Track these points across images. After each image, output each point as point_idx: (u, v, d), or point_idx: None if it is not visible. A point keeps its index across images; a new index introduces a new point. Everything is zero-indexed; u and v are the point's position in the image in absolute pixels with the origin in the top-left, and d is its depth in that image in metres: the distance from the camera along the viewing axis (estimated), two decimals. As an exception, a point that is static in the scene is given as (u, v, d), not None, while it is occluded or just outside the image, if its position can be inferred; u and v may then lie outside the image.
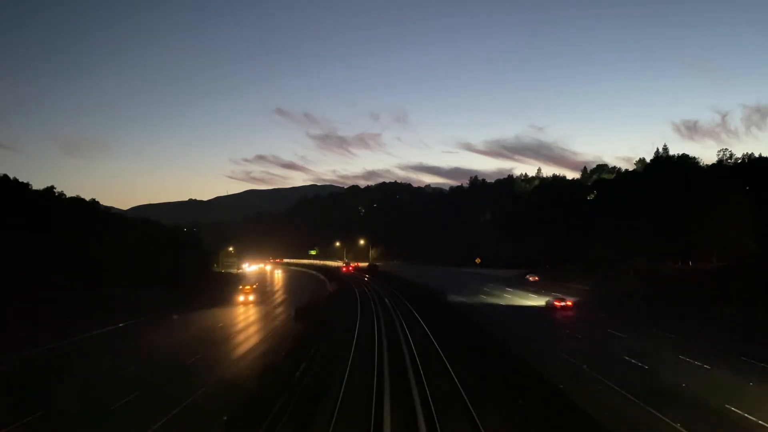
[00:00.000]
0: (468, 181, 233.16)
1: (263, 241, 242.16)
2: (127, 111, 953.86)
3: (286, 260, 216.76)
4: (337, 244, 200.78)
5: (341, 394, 24.75)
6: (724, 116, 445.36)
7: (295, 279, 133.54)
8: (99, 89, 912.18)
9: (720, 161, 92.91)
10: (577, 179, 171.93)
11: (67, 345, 44.86)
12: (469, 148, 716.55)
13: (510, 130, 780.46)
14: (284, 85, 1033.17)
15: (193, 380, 31.11)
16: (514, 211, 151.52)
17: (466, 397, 23.38)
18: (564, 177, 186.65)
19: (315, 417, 21.93)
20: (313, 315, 55.35)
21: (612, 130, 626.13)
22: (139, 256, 79.77)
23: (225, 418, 21.76)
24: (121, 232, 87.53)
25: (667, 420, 21.25)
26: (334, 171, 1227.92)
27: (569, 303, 58.35)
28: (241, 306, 72.83)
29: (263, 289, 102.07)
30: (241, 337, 48.74)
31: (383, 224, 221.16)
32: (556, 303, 58.40)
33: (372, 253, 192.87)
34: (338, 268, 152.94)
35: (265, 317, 61.76)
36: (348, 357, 33.14)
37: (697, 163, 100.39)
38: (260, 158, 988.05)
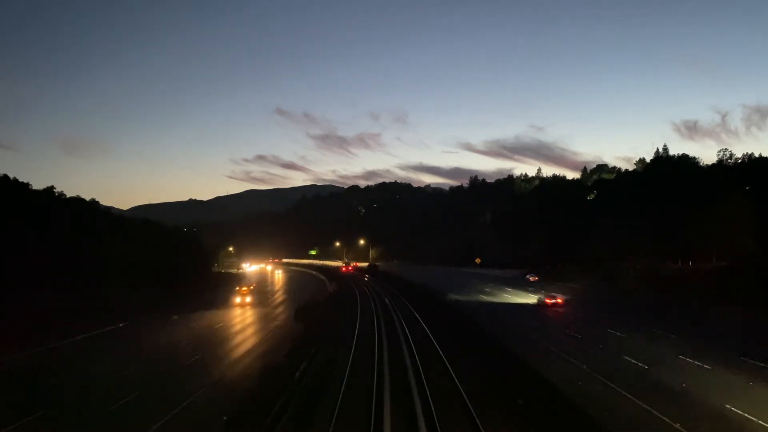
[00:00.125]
0: (468, 181, 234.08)
1: (263, 241, 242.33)
2: (127, 111, 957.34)
3: (285, 260, 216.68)
4: (337, 244, 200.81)
5: (341, 394, 24.76)
6: (724, 116, 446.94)
7: (295, 279, 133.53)
8: (99, 89, 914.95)
9: (720, 161, 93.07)
10: (577, 179, 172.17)
11: (67, 345, 44.74)
12: (469, 148, 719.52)
13: (510, 130, 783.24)
14: (284, 85, 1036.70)
15: (193, 381, 31.07)
16: (514, 211, 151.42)
17: (466, 397, 23.40)
18: (564, 177, 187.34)
19: (315, 417, 21.93)
20: (313, 315, 55.35)
21: (612, 130, 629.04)
22: (138, 257, 79.75)
23: (225, 418, 21.80)
24: (121, 232, 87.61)
25: (667, 420, 21.24)
26: (334, 171, 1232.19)
27: (559, 300, 60.73)
28: (240, 307, 72.65)
29: (263, 289, 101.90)
30: (241, 337, 48.71)
31: (383, 224, 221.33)
32: (547, 300, 60.90)
33: (372, 253, 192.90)
34: (338, 268, 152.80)
35: (265, 318, 61.68)
36: (348, 357, 33.16)
37: (697, 163, 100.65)
38: (260, 158, 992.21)
